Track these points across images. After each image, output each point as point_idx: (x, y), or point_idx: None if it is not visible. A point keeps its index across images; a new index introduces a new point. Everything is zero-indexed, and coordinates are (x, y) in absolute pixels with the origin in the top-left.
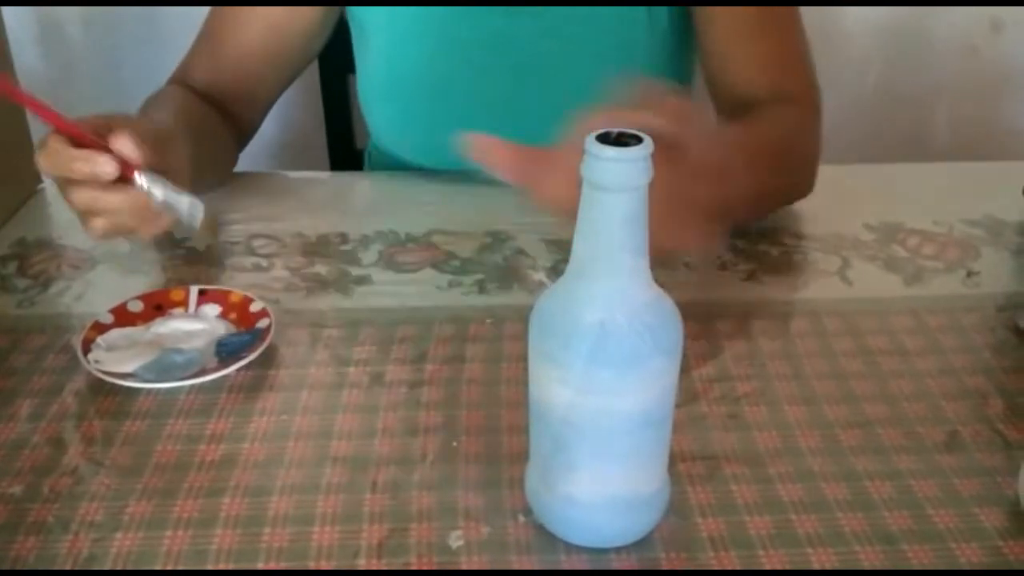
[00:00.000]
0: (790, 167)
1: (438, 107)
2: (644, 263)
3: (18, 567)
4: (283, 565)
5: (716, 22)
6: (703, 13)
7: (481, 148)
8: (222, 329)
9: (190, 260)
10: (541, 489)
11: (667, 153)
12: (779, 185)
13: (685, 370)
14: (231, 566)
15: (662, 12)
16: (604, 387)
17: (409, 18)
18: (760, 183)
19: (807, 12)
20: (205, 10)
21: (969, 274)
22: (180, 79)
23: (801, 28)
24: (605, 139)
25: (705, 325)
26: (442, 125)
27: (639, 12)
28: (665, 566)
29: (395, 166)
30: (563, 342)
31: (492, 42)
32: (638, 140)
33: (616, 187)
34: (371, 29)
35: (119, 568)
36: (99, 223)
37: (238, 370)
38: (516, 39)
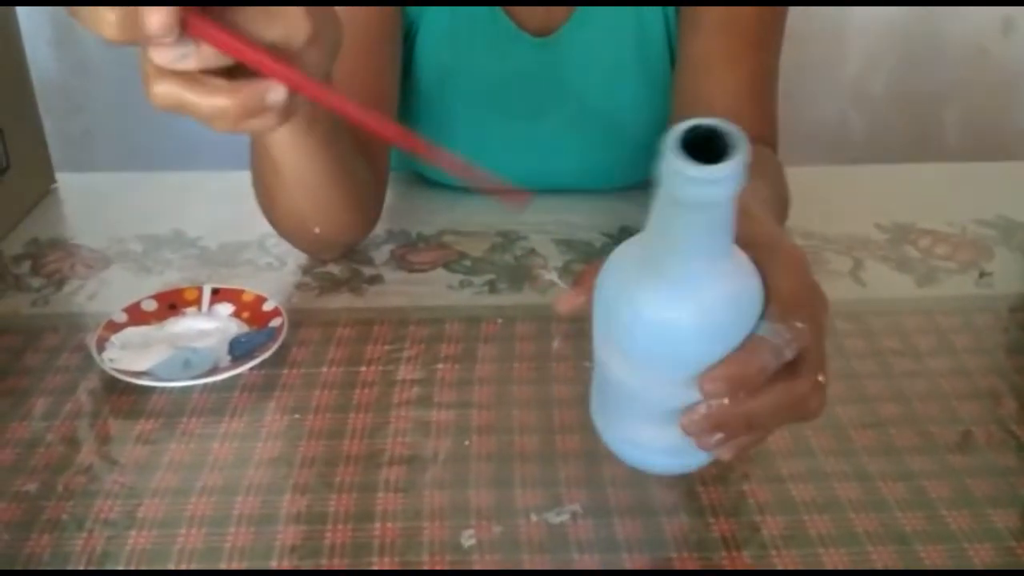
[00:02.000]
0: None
1: (454, 130)
2: (723, 263)
3: (32, 564)
4: (296, 563)
5: (703, 32)
6: (689, 17)
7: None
8: (235, 328)
9: (203, 259)
10: (604, 424)
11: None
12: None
13: None
14: (244, 564)
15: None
16: (664, 379)
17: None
18: None
19: (818, 11)
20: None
21: (982, 275)
22: None
23: (778, 59)
24: (693, 136)
25: None
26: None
27: (660, 36)
28: (677, 566)
29: (406, 167)
30: (626, 331)
31: (516, 73)
32: (725, 138)
33: (693, 205)
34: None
35: (133, 566)
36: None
37: (251, 369)
38: (539, 71)
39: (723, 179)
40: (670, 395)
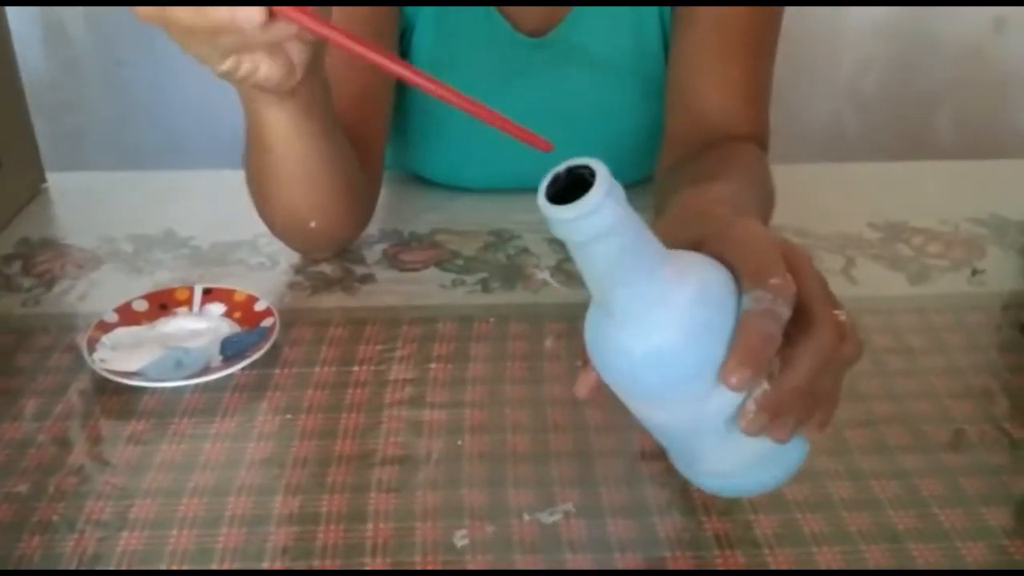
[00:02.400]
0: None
1: (449, 130)
2: (661, 271)
3: (23, 566)
4: (288, 564)
5: (696, 31)
6: (684, 15)
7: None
8: (226, 328)
9: (195, 259)
10: (683, 468)
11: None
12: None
13: None
14: (236, 565)
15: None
16: (690, 399)
17: (432, 40)
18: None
19: (812, 10)
20: None
21: (974, 273)
22: None
23: (773, 59)
24: (559, 182)
25: None
26: (461, 151)
27: (656, 36)
28: (671, 565)
29: (399, 166)
30: (628, 379)
31: (509, 72)
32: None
33: (585, 241)
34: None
35: (124, 567)
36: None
37: (243, 369)
38: (535, 70)
39: (591, 211)
40: (713, 411)
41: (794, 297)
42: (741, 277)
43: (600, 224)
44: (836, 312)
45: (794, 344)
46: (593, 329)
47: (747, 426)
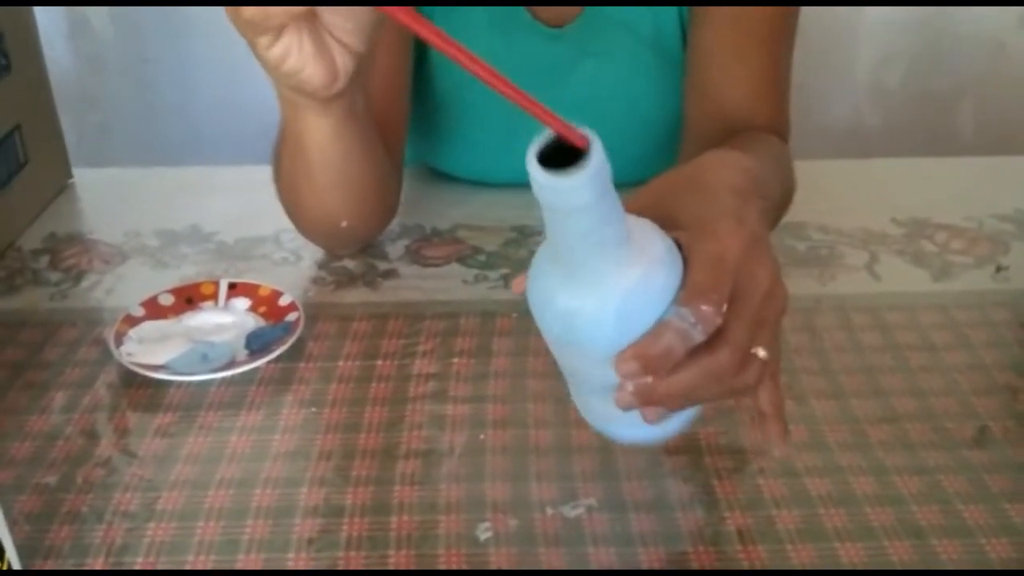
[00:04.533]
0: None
1: (476, 127)
2: (616, 252)
3: (52, 556)
4: (313, 555)
5: (713, 25)
6: (701, 12)
7: None
8: (251, 322)
9: (219, 254)
10: (574, 397)
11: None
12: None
13: None
14: (262, 556)
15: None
16: (586, 359)
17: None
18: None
19: (832, 7)
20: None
21: (998, 269)
22: None
23: (791, 54)
24: (550, 144)
25: None
26: (477, 144)
27: (674, 27)
28: (692, 559)
29: (421, 162)
30: (545, 316)
31: (534, 66)
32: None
33: (563, 211)
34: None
35: (152, 558)
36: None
37: (268, 363)
38: (555, 61)
39: (577, 187)
40: (603, 375)
41: (712, 328)
42: (684, 285)
43: (580, 200)
44: (755, 349)
45: (693, 355)
46: (538, 259)
47: (619, 400)
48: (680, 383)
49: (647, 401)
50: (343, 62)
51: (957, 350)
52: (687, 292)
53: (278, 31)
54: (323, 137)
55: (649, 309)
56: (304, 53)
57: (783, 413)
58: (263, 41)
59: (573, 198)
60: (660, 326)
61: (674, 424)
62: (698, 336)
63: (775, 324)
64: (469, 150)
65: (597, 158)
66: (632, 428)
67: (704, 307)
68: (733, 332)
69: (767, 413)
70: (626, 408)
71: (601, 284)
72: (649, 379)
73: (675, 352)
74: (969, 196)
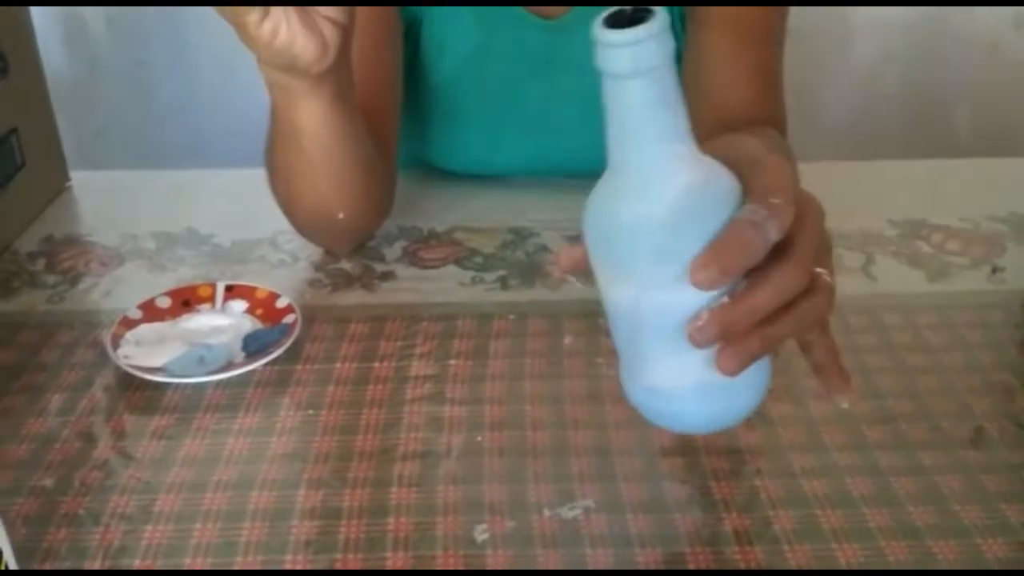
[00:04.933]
0: None
1: (472, 118)
2: (680, 147)
3: (50, 558)
4: (311, 557)
5: (711, 25)
6: (695, 13)
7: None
8: (248, 325)
9: (216, 256)
10: (627, 380)
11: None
12: None
13: None
14: (259, 558)
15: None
16: (657, 283)
17: (447, 31)
18: None
19: (829, 8)
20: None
21: (994, 270)
22: None
23: (783, 52)
24: (619, 18)
25: None
26: (475, 136)
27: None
28: (689, 560)
29: (417, 163)
30: (609, 244)
31: (528, 57)
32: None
33: (626, 73)
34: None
35: (149, 560)
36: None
37: (265, 365)
38: (552, 54)
39: (644, 39)
40: (671, 309)
41: (786, 224)
42: (748, 191)
43: (644, 57)
44: (820, 270)
45: (763, 271)
46: (596, 192)
47: (694, 332)
48: (756, 295)
49: (726, 326)
50: (330, 34)
51: (953, 351)
52: (753, 189)
53: (265, 9)
54: (315, 120)
55: (715, 210)
56: (293, 27)
57: (841, 361)
58: (253, 18)
59: (639, 54)
60: (732, 223)
61: (743, 399)
62: (772, 230)
63: (830, 256)
64: (461, 144)
65: (661, 17)
66: (701, 401)
67: (774, 200)
68: (799, 246)
69: (824, 363)
70: (703, 342)
71: (666, 180)
72: (726, 299)
73: (752, 245)
74: (965, 197)
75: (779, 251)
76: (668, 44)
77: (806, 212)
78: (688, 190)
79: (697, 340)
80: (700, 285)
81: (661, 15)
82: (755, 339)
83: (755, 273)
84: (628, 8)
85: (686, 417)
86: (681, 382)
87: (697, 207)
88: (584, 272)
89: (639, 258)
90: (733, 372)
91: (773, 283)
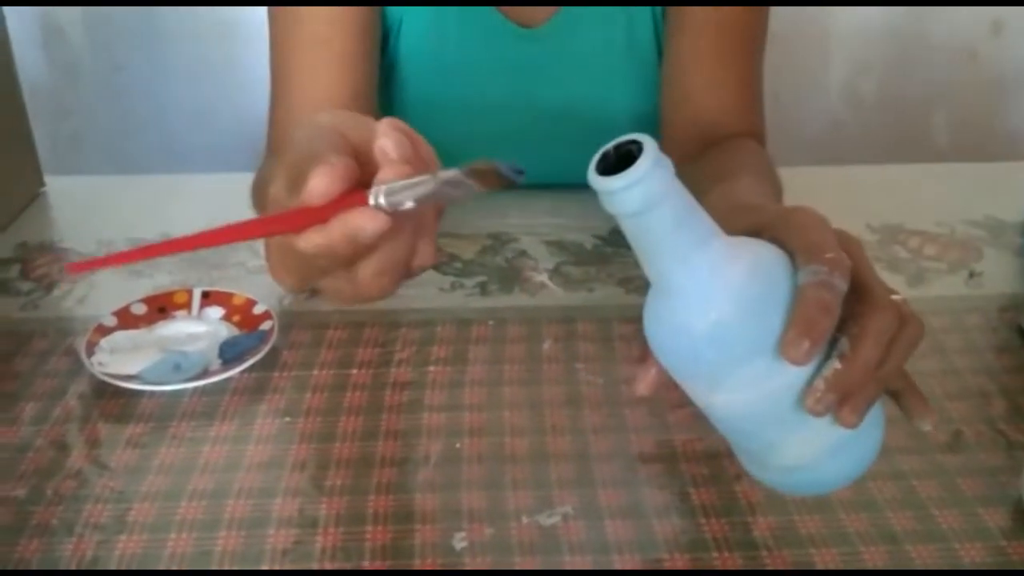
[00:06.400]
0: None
1: (449, 128)
2: (716, 243)
3: (22, 569)
4: (287, 567)
5: (691, 32)
6: (676, 17)
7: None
8: (225, 331)
9: (193, 262)
10: (756, 468)
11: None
12: None
13: None
14: (235, 568)
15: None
16: (756, 378)
17: (424, 41)
18: None
19: (806, 12)
20: (205, 9)
21: (972, 275)
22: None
23: (763, 58)
24: (608, 159)
25: None
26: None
27: (648, 31)
28: (668, 567)
29: None
30: (693, 359)
31: (507, 67)
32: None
33: (642, 210)
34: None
35: (123, 570)
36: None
37: (241, 372)
38: (529, 62)
39: (647, 173)
40: (777, 392)
41: (849, 272)
42: (796, 253)
43: (650, 193)
44: (896, 297)
45: (859, 323)
46: (651, 314)
47: (814, 404)
48: (867, 351)
49: (844, 388)
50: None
51: (931, 356)
52: (802, 251)
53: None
54: None
55: (776, 288)
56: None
57: (915, 384)
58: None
59: (644, 192)
60: (801, 289)
61: (874, 435)
62: (840, 283)
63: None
64: (439, 153)
65: (651, 148)
66: (839, 457)
67: (828, 255)
68: (875, 286)
69: (903, 389)
70: (823, 411)
71: (719, 281)
72: (837, 365)
73: (830, 305)
74: (941, 202)
75: (856, 295)
76: (666, 163)
77: (852, 248)
78: (747, 279)
79: (819, 412)
80: (797, 362)
81: (650, 142)
82: (871, 388)
83: (844, 326)
84: (611, 146)
85: (829, 477)
86: (813, 450)
87: (761, 290)
88: (666, 386)
89: (729, 362)
90: (857, 425)
91: (873, 335)
